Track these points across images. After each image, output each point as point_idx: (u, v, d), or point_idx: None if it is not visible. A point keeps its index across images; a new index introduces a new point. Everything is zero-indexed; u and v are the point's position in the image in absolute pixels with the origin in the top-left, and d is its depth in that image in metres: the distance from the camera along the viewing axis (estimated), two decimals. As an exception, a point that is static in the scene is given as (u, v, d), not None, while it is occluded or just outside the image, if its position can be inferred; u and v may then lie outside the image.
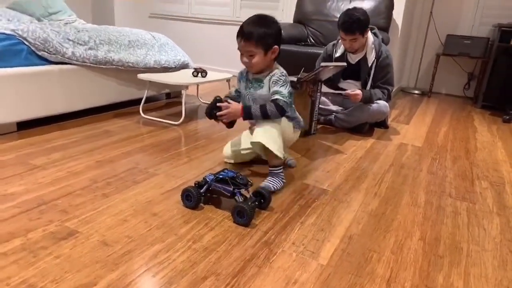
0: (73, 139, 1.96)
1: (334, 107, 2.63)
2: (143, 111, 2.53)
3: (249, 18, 1.52)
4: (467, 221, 1.41)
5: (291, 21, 3.85)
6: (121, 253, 1.07)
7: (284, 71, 1.56)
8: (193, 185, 1.39)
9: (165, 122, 2.38)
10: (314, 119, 2.37)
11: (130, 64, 2.55)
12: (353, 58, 2.54)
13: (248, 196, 1.37)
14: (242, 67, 1.63)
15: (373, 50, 2.46)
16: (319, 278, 1.02)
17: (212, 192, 1.37)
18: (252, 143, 1.53)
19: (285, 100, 1.48)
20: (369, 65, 2.47)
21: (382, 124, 2.60)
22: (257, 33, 1.45)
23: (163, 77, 2.44)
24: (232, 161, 1.79)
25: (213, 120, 1.58)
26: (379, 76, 2.48)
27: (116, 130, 2.17)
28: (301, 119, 1.73)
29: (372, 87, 2.50)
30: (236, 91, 1.70)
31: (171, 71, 2.82)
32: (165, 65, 2.80)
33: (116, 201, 1.37)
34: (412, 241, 1.24)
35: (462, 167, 1.96)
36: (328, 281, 1.02)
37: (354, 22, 2.26)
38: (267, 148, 1.47)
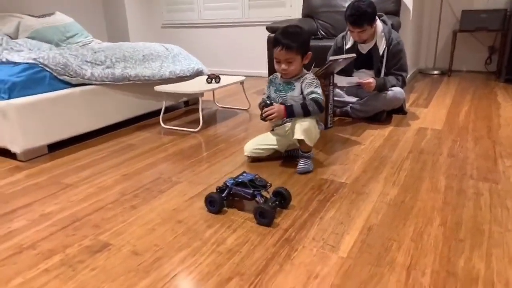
0: (100, 156, 2.07)
1: (349, 98, 2.63)
2: (163, 122, 2.62)
3: (283, 28, 1.71)
4: (490, 202, 1.39)
5: (300, 16, 3.85)
6: (151, 260, 1.14)
7: (313, 75, 1.78)
8: (215, 190, 1.44)
9: (185, 130, 2.46)
10: (330, 112, 2.38)
11: (147, 78, 2.64)
12: (364, 48, 2.52)
13: (268, 196, 1.41)
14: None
15: (383, 38, 2.44)
16: (340, 271, 1.06)
17: (233, 195, 1.43)
18: (293, 138, 1.72)
19: (322, 98, 1.72)
20: (381, 53, 2.46)
21: (400, 110, 2.58)
22: (298, 41, 1.66)
23: (178, 87, 2.52)
24: (253, 156, 1.88)
25: (262, 121, 1.76)
26: (391, 63, 2.46)
27: (139, 143, 2.26)
28: (321, 122, 1.89)
29: (386, 74, 2.48)
30: (268, 97, 1.86)
31: (186, 80, 2.90)
32: (180, 75, 2.88)
33: (144, 211, 1.45)
34: (433, 227, 1.25)
35: (484, 146, 1.93)
36: (349, 273, 1.05)
37: (361, 15, 2.26)
38: (300, 140, 1.69)
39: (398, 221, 1.30)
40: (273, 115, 1.69)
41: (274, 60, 1.74)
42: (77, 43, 3.29)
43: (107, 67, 2.45)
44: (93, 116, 2.37)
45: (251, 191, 1.37)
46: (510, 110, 2.57)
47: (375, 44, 2.47)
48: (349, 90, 2.64)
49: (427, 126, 2.30)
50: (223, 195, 1.41)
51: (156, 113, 2.73)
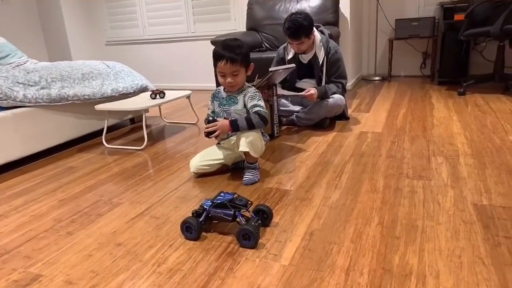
0: (36, 181, 1.95)
1: (294, 107, 2.69)
2: (106, 141, 2.52)
3: (223, 42, 1.72)
4: (423, 198, 1.47)
5: (244, 29, 3.91)
6: (86, 289, 1.08)
7: (255, 88, 1.81)
8: (191, 214, 1.32)
9: (129, 149, 2.38)
10: (275, 122, 2.41)
11: (87, 97, 2.54)
12: (305, 58, 2.60)
13: (249, 216, 1.32)
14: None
15: (322, 48, 2.53)
16: (281, 279, 1.06)
17: (212, 218, 1.32)
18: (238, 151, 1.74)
19: (265, 111, 1.73)
20: (320, 62, 2.54)
21: (343, 116, 2.67)
22: (241, 53, 1.68)
23: (120, 105, 2.44)
24: (199, 172, 1.84)
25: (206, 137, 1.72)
26: (331, 72, 2.55)
27: (79, 165, 2.16)
28: (266, 134, 1.89)
29: (327, 82, 2.57)
30: (212, 112, 1.84)
31: (130, 97, 2.83)
32: (123, 92, 2.81)
33: (80, 237, 1.37)
34: (371, 227, 1.29)
35: (419, 146, 2.04)
36: (290, 280, 1.05)
37: (298, 28, 2.34)
38: (245, 152, 1.70)
39: (339, 224, 1.33)
40: (216, 132, 1.67)
41: (219, 74, 1.73)
42: (9, 64, 3.10)
43: (42, 88, 2.33)
44: (29, 140, 2.23)
45: (231, 212, 1.27)
46: (443, 110, 2.75)
47: (315, 54, 2.56)
48: (294, 100, 2.70)
49: (368, 130, 2.40)
50: (200, 219, 1.29)
51: (100, 132, 2.63)
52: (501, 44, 3.14)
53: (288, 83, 2.71)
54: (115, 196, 1.69)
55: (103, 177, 1.94)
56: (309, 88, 2.43)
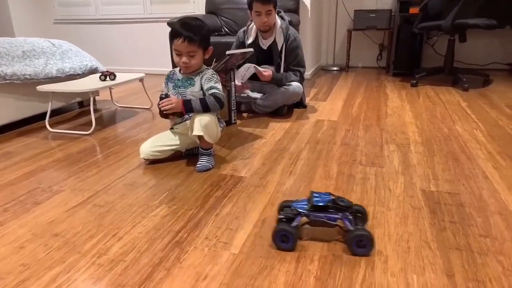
0: (-35, 168, 1.76)
1: (253, 94, 2.64)
2: (50, 125, 2.34)
3: (182, 20, 1.63)
4: (375, 184, 1.48)
5: (203, 13, 3.78)
6: (14, 284, 0.98)
7: (212, 70, 1.74)
8: (279, 219, 1.12)
9: (75, 133, 2.23)
10: (233, 108, 2.35)
11: (28, 77, 2.34)
12: (265, 44, 2.55)
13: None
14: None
15: (281, 34, 2.49)
16: (230, 267, 1.01)
17: (311, 224, 1.12)
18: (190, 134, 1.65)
19: (222, 94, 1.67)
20: (279, 48, 2.50)
21: (301, 104, 2.66)
22: (201, 33, 1.61)
23: (65, 86, 2.27)
24: (150, 159, 1.75)
25: (162, 117, 1.67)
26: (290, 59, 2.52)
27: (18, 150, 1.98)
28: (222, 120, 1.84)
29: (286, 70, 2.54)
30: (165, 94, 1.69)
31: (78, 78, 2.64)
32: (70, 73, 2.61)
33: (12, 227, 1.24)
34: (323, 213, 1.28)
35: (373, 134, 2.07)
36: (240, 269, 1.01)
37: None
38: (199, 137, 1.63)
39: (292, 210, 1.30)
40: (170, 107, 1.58)
41: (174, 53, 1.64)
42: None
43: (-26, 65, 2.11)
44: (-43, 122, 2.02)
45: (338, 216, 1.08)
46: (396, 100, 2.82)
47: (274, 39, 2.51)
48: (253, 86, 2.65)
49: (324, 118, 2.40)
50: (293, 224, 1.09)
51: (44, 116, 2.44)
52: (452, 38, 3.27)
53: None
54: (55, 183, 1.56)
55: (44, 163, 1.79)
56: (267, 69, 2.39)
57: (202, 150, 1.70)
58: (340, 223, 1.11)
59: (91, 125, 2.24)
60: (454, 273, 0.97)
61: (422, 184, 1.47)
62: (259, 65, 2.61)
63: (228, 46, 2.68)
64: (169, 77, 1.79)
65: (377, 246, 1.09)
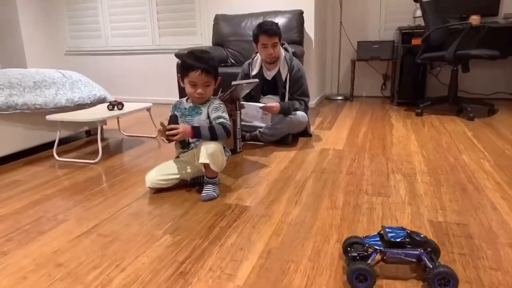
0: (-28, 196, 1.77)
1: (258, 123, 2.66)
2: (58, 154, 2.37)
3: (194, 53, 1.69)
4: (382, 214, 1.46)
5: (210, 44, 3.89)
6: (14, 317, 0.96)
7: (219, 100, 1.80)
8: (352, 257, 1.06)
9: (82, 162, 2.25)
10: (238, 137, 2.37)
11: (38, 106, 2.39)
12: (269, 75, 2.61)
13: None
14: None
15: (286, 65, 2.55)
16: (234, 301, 0.99)
17: (387, 261, 1.05)
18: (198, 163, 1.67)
19: (229, 123, 1.72)
20: (284, 79, 2.56)
21: (305, 133, 2.68)
22: (214, 65, 1.69)
23: (74, 116, 2.31)
24: (156, 187, 1.75)
25: (165, 142, 1.67)
26: (294, 89, 2.57)
27: (25, 179, 2.00)
28: (228, 149, 1.88)
29: (290, 99, 2.58)
30: (175, 115, 1.75)
31: (87, 108, 2.69)
32: (79, 102, 2.67)
33: (16, 257, 1.24)
34: (330, 244, 1.26)
35: (378, 163, 2.06)
36: (244, 302, 0.99)
37: (274, 24, 2.42)
38: (205, 165, 1.65)
39: (297, 241, 1.28)
40: (177, 136, 1.60)
41: (189, 85, 1.69)
42: (-46, 69, 2.88)
43: (-13, 95, 2.16)
44: (-33, 151, 2.05)
45: (417, 253, 1.02)
46: (401, 129, 2.83)
47: (279, 70, 2.57)
48: (258, 115, 2.68)
49: (329, 147, 2.41)
50: (368, 262, 1.03)
51: (52, 145, 2.47)
52: (455, 68, 3.31)
53: (252, 100, 2.69)
54: (60, 212, 1.56)
55: (50, 192, 1.80)
56: (272, 102, 2.42)
57: (208, 179, 1.71)
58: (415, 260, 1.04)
59: (98, 154, 2.26)
60: (465, 309, 0.94)
61: (429, 214, 1.45)
62: (263, 95, 2.67)
63: (234, 76, 2.74)
64: (176, 107, 1.82)
65: (387, 281, 1.06)
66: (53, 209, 1.60)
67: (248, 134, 2.62)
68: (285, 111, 2.46)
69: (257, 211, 1.52)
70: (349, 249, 1.11)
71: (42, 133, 2.48)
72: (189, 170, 1.79)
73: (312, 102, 3.85)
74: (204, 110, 1.74)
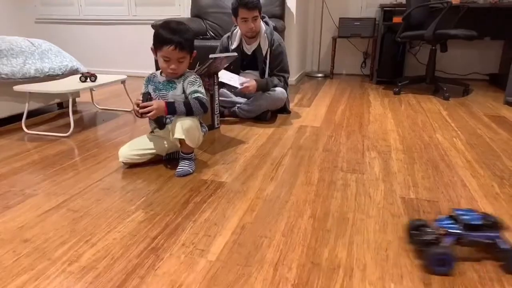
0: None
1: (237, 99, 2.62)
2: (27, 127, 2.27)
3: (169, 25, 1.60)
4: (356, 191, 1.48)
5: (189, 16, 3.76)
6: (-23, 293, 0.93)
7: (195, 74, 1.73)
8: (424, 242, 1.05)
9: (53, 135, 2.16)
10: (216, 112, 2.33)
11: (4, 76, 2.27)
12: (249, 49, 2.55)
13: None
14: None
15: (266, 39, 2.49)
16: (206, 275, 0.99)
17: (462, 244, 1.05)
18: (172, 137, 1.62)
19: (206, 98, 1.66)
20: (264, 54, 2.50)
21: (284, 109, 2.66)
22: (189, 39, 1.61)
23: (43, 87, 2.21)
24: (129, 162, 1.71)
25: (138, 117, 1.62)
26: (274, 64, 2.52)
27: (-9, 152, 1.91)
28: (205, 125, 1.82)
29: (269, 75, 2.54)
30: (148, 93, 1.68)
31: (58, 79, 2.57)
32: (50, 73, 2.55)
33: (-20, 233, 1.19)
34: (303, 220, 1.27)
35: (355, 141, 2.08)
36: (216, 277, 0.98)
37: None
38: (180, 140, 1.60)
39: (271, 217, 1.29)
40: (152, 113, 1.55)
41: (162, 59, 1.62)
42: None
43: None
44: None
45: (495, 234, 1.03)
46: (379, 108, 2.85)
47: (259, 45, 2.51)
48: (236, 91, 2.63)
49: (307, 124, 2.41)
50: (445, 245, 1.03)
51: (21, 117, 2.36)
52: (433, 48, 3.33)
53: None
54: (28, 187, 1.51)
55: (17, 165, 1.73)
56: (249, 80, 2.38)
57: (183, 155, 1.68)
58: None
59: (70, 127, 2.18)
60: (431, 282, 0.97)
61: (402, 191, 1.48)
62: (243, 70, 2.61)
63: (213, 50, 2.66)
64: (149, 80, 1.76)
65: (356, 254, 1.08)
66: (20, 183, 1.54)
67: (226, 110, 2.58)
68: (263, 87, 2.42)
69: (233, 187, 1.51)
70: (416, 232, 1.10)
71: (9, 105, 2.36)
72: (164, 145, 1.76)
73: (292, 79, 3.82)
74: (179, 84, 1.68)
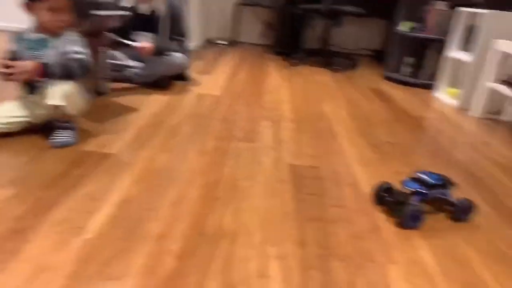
0: None
1: (130, 62, 2.43)
2: None
3: None
4: (247, 159, 1.51)
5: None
6: None
7: (77, 32, 1.55)
8: (393, 201, 1.19)
9: None
10: (104, 76, 2.13)
11: None
12: (143, 9, 2.37)
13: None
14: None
15: (162, 0, 2.33)
16: (80, 254, 0.91)
17: (427, 201, 1.20)
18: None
19: (89, 59, 1.51)
20: (161, 15, 2.35)
21: (184, 76, 2.56)
22: None
23: None
24: None
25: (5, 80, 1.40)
26: (172, 28, 2.39)
27: None
28: (91, 90, 1.70)
29: (168, 39, 2.40)
30: (13, 53, 1.45)
31: None
32: None
33: None
34: (193, 189, 1.25)
35: (251, 110, 2.12)
36: (90, 254, 0.92)
37: None
38: (58, 107, 1.41)
39: (161, 188, 1.24)
40: (21, 75, 1.35)
41: (43, 10, 1.41)
42: None
43: None
44: None
45: (447, 191, 1.21)
46: (276, 78, 2.93)
47: (155, 5, 2.35)
48: (131, 54, 2.44)
49: (207, 92, 2.36)
50: (417, 203, 1.16)
51: None
52: (328, 22, 3.52)
53: (122, 37, 2.43)
54: None
55: None
56: (146, 41, 2.22)
57: (61, 123, 1.50)
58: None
59: None
60: (307, 243, 1.05)
61: (289, 158, 1.56)
62: (136, 32, 2.42)
63: (98, 4, 2.40)
64: (19, 38, 1.51)
65: (242, 220, 1.12)
66: None
67: (118, 74, 2.38)
68: (159, 51, 2.29)
69: (120, 159, 1.42)
70: (385, 194, 1.22)
71: None
72: (39, 112, 1.54)
73: (193, 45, 3.68)
74: (56, 43, 1.48)
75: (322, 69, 3.42)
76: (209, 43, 4.31)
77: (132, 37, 2.41)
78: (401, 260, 1.01)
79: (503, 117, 2.46)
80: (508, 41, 2.25)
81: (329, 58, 3.57)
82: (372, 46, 4.46)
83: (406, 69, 3.23)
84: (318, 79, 3.02)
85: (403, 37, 3.21)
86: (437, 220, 1.22)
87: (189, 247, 0.98)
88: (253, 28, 4.49)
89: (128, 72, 2.37)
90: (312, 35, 4.36)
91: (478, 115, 2.43)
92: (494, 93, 2.36)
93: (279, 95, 2.46)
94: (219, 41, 4.32)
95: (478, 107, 2.43)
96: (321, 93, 2.61)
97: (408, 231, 1.13)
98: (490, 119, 2.43)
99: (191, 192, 1.23)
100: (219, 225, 1.08)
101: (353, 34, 4.43)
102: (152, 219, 1.08)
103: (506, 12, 2.43)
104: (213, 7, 4.40)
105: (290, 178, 1.40)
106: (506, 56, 2.28)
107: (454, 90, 2.69)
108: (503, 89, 2.21)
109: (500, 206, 1.35)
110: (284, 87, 2.68)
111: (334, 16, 3.52)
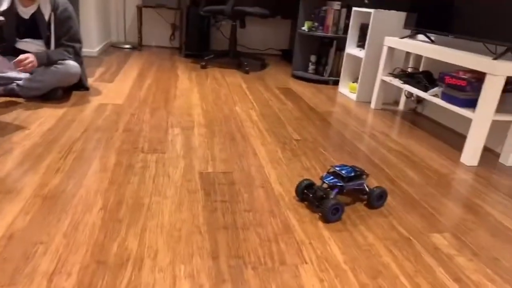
0: None
1: (16, 74, 2.15)
2: None
3: None
4: (155, 172, 1.42)
5: None
6: None
7: None
8: (316, 197, 1.25)
9: None
10: (-18, 92, 1.85)
11: None
12: (26, 12, 2.11)
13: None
14: None
15: (48, 2, 2.10)
16: None
17: (344, 193, 1.35)
18: None
19: None
20: (47, 19, 2.12)
21: (81, 86, 2.35)
22: None
23: None
24: None
25: None
26: (61, 32, 2.17)
27: None
28: None
29: (57, 45, 2.18)
30: None
31: None
32: None
33: None
34: (92, 214, 1.13)
35: (159, 118, 2.01)
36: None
37: None
38: None
39: (52, 216, 1.10)
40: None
41: None
42: None
43: None
44: None
45: (363, 181, 1.31)
46: (186, 82, 2.85)
47: (39, 8, 2.11)
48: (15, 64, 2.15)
49: (108, 102, 2.19)
50: (335, 197, 1.25)
51: None
52: (234, 23, 3.52)
53: (5, 43, 2.15)
54: None
55: None
56: (27, 55, 1.97)
57: None
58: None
59: None
60: (219, 254, 1.01)
61: (200, 166, 1.50)
62: (20, 38, 2.17)
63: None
64: None
65: (148, 241, 1.04)
66: None
67: (1, 88, 2.09)
68: (44, 61, 2.05)
69: (5, 187, 1.23)
70: (306, 191, 1.28)
71: None
72: None
73: (94, 50, 3.42)
74: None
75: (232, 70, 3.42)
76: (113, 47, 4.04)
77: (18, 45, 2.15)
78: (312, 258, 1.03)
79: (400, 107, 2.72)
80: (393, 38, 2.48)
81: (238, 59, 3.59)
82: (280, 46, 4.60)
83: (312, 67, 3.39)
84: (229, 81, 3.01)
85: (306, 36, 3.36)
86: (355, 210, 1.29)
87: (86, 281, 0.88)
88: (160, 31, 4.32)
89: (13, 85, 2.09)
90: (220, 36, 4.35)
91: (377, 107, 2.64)
92: (387, 85, 2.58)
93: (189, 99, 2.39)
94: (124, 45, 4.07)
95: (376, 99, 2.64)
96: (232, 95, 2.60)
97: (318, 228, 1.16)
98: (388, 110, 2.65)
99: (88, 217, 1.11)
100: (121, 251, 0.99)
101: (261, 34, 4.52)
102: (42, 254, 0.95)
103: (391, 12, 2.67)
104: (113, 9, 4.13)
105: (202, 187, 1.35)
106: (392, 50, 2.51)
107: (355, 85, 2.88)
108: (393, 80, 2.43)
109: (398, 191, 1.47)
110: (194, 91, 2.61)
111: (238, 17, 3.54)
